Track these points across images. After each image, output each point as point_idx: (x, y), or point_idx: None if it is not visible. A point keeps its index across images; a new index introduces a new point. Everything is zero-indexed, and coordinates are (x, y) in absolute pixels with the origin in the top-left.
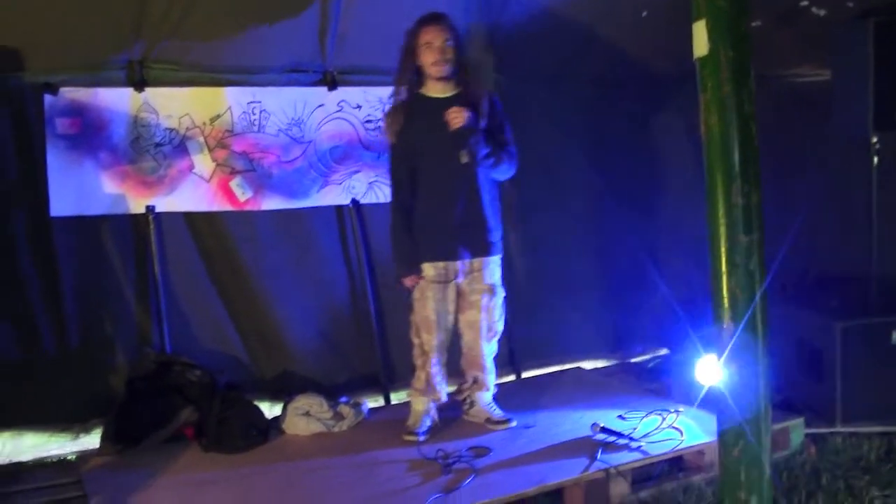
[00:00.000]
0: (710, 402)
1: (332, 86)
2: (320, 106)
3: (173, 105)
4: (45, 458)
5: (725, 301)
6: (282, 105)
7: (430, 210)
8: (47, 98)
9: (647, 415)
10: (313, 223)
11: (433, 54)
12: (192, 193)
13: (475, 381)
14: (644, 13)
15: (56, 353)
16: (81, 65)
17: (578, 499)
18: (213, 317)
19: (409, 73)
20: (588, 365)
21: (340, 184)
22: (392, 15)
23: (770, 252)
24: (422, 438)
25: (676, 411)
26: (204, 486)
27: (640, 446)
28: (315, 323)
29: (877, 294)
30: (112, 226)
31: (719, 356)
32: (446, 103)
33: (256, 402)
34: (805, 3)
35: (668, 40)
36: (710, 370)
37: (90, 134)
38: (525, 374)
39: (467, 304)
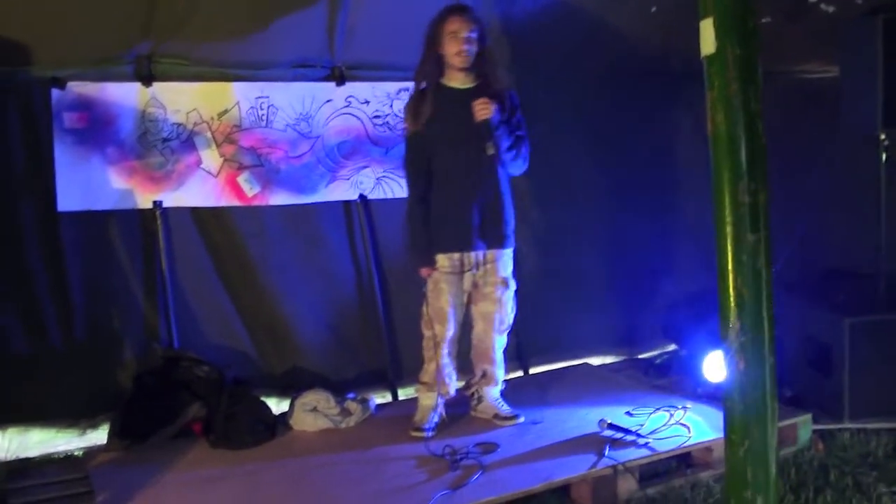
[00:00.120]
0: (718, 398)
1: (341, 81)
2: (328, 101)
3: (181, 100)
4: (52, 453)
5: (732, 299)
6: (290, 100)
7: (447, 201)
8: (55, 92)
9: (654, 411)
10: (321, 218)
11: (457, 44)
12: (199, 188)
13: (484, 374)
14: (653, 8)
15: (63, 349)
16: (89, 59)
17: (586, 495)
18: (220, 312)
19: (431, 63)
20: (596, 361)
21: (348, 179)
22: (401, 10)
23: (778, 250)
24: (429, 434)
25: (684, 408)
26: (211, 481)
27: (647, 443)
28: (322, 318)
29: (885, 290)
30: (119, 221)
31: (725, 355)
32: (468, 94)
33: (264, 398)
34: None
35: (678, 36)
36: (718, 367)
37: (98, 129)
38: (533, 370)
39: (480, 295)
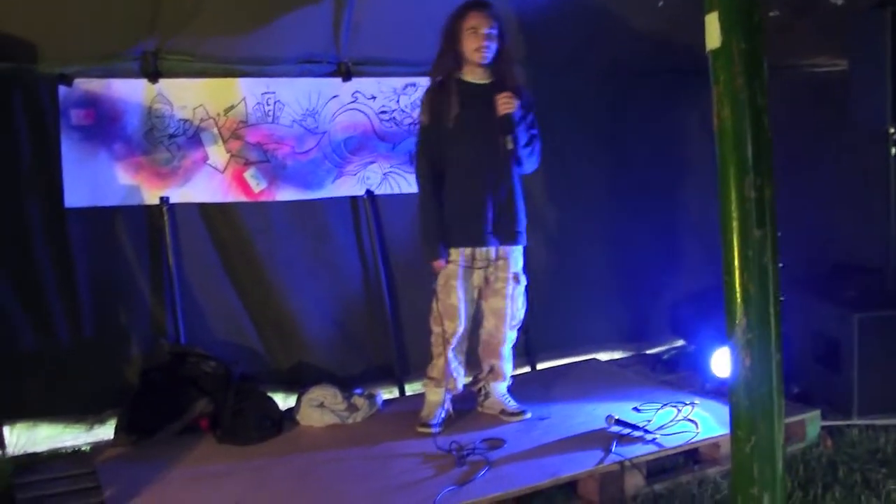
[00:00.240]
0: (726, 394)
1: (347, 76)
2: (335, 97)
3: (187, 96)
4: (60, 448)
5: (738, 295)
6: (296, 96)
7: (462, 195)
8: (62, 89)
9: (662, 407)
10: (328, 214)
11: (477, 40)
12: (206, 184)
13: (491, 370)
14: (660, 3)
15: (70, 344)
16: (96, 56)
17: (593, 491)
18: (227, 308)
19: (449, 56)
20: (603, 356)
21: (355, 175)
22: (406, 5)
23: (785, 245)
24: (435, 430)
25: (692, 403)
26: (218, 477)
27: (654, 438)
28: (329, 314)
29: (894, 285)
30: (126, 217)
31: (731, 351)
32: (486, 89)
33: (271, 394)
34: None
35: (685, 32)
36: (726, 362)
37: (104, 125)
38: (540, 365)
39: (492, 291)
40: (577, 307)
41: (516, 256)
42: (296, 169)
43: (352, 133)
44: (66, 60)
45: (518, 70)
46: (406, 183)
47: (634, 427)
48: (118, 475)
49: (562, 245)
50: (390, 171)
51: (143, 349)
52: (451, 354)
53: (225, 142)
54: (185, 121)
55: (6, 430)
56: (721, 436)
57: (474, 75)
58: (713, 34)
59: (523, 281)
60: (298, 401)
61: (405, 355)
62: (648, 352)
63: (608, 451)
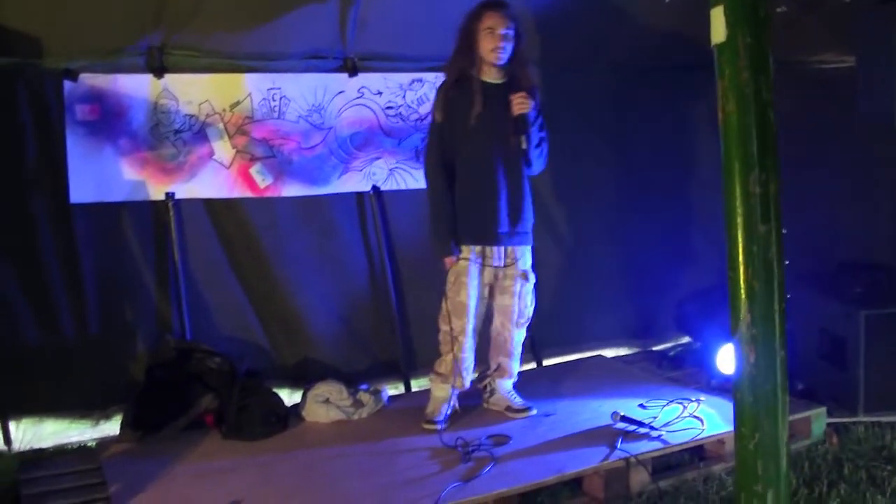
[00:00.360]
0: (731, 391)
1: (353, 72)
2: (341, 92)
3: (193, 91)
4: (66, 444)
5: (743, 291)
6: (302, 91)
7: (474, 193)
8: (67, 84)
9: (667, 403)
10: (333, 210)
11: (494, 41)
12: (211, 180)
13: (499, 367)
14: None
15: (76, 340)
16: (101, 51)
17: (598, 488)
18: (233, 304)
19: (464, 55)
20: (609, 353)
21: (361, 170)
22: (413, 1)
23: (791, 242)
24: (440, 427)
25: (697, 400)
26: (223, 473)
27: (660, 435)
28: (335, 310)
29: None
30: (132, 212)
31: (736, 347)
32: (500, 89)
33: (276, 389)
34: None
35: (694, 28)
36: (732, 359)
37: (110, 120)
38: (546, 362)
39: (500, 289)
40: (583, 304)
41: (525, 255)
42: (301, 164)
43: (358, 128)
44: (72, 55)
45: (532, 70)
46: (412, 178)
47: (640, 424)
48: (123, 471)
49: (568, 241)
50: (396, 167)
51: (149, 345)
52: (462, 353)
53: (231, 137)
54: (191, 116)
55: (12, 425)
56: (726, 432)
57: (489, 75)
58: (718, 28)
59: (532, 279)
60: (304, 397)
61: (411, 351)
62: (654, 348)
63: (613, 447)
